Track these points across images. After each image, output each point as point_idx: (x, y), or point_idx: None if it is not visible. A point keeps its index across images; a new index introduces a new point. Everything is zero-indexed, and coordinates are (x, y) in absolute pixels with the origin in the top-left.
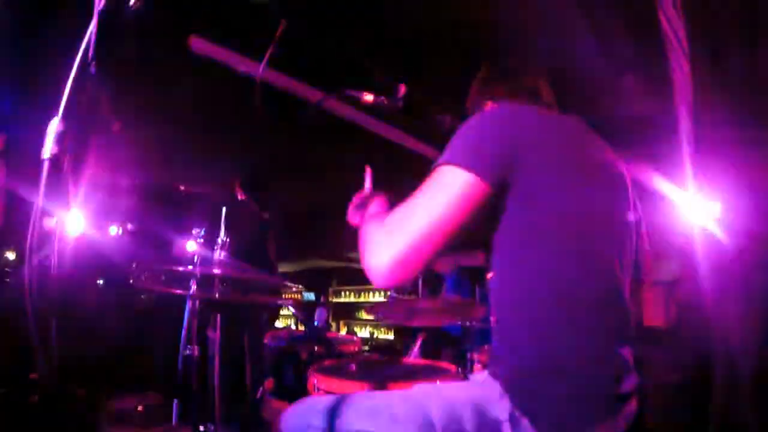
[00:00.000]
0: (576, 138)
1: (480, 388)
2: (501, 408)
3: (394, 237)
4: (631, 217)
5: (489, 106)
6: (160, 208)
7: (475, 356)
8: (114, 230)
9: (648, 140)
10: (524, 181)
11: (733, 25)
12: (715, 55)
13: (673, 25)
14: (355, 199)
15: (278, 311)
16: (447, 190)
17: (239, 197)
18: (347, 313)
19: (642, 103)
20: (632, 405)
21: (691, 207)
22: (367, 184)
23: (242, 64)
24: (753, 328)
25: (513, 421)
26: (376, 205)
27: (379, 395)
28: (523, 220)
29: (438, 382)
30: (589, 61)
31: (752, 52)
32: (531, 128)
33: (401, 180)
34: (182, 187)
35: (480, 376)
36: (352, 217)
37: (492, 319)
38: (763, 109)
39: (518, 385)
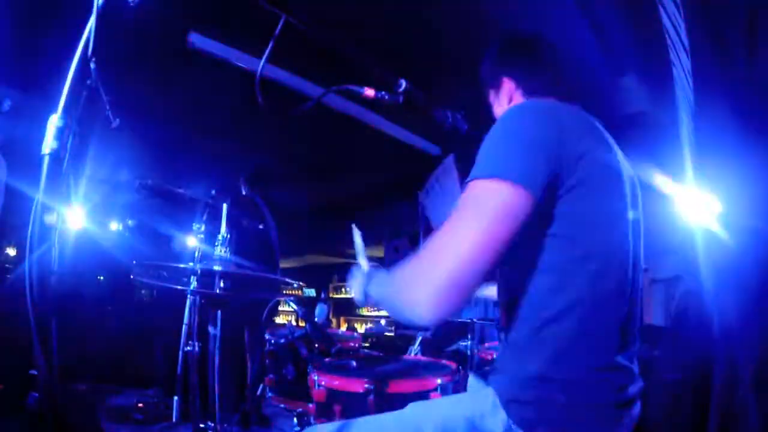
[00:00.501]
0: (597, 138)
1: (473, 402)
2: (495, 421)
3: (433, 268)
4: (639, 221)
5: (505, 84)
6: (161, 205)
7: (477, 353)
8: (115, 226)
9: (649, 137)
10: (553, 186)
11: (734, 21)
12: (717, 51)
13: (673, 21)
14: (358, 277)
15: (278, 307)
16: (490, 208)
17: (243, 193)
18: (348, 309)
19: (643, 100)
20: (635, 410)
21: (692, 204)
22: (357, 240)
23: (242, 61)
24: (753, 327)
25: None
26: (383, 275)
27: (374, 420)
28: (538, 227)
29: (438, 380)
30: (589, 59)
31: (754, 47)
32: (569, 129)
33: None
34: (181, 190)
35: (476, 383)
36: (359, 294)
37: (501, 334)
38: (765, 106)
39: (515, 396)
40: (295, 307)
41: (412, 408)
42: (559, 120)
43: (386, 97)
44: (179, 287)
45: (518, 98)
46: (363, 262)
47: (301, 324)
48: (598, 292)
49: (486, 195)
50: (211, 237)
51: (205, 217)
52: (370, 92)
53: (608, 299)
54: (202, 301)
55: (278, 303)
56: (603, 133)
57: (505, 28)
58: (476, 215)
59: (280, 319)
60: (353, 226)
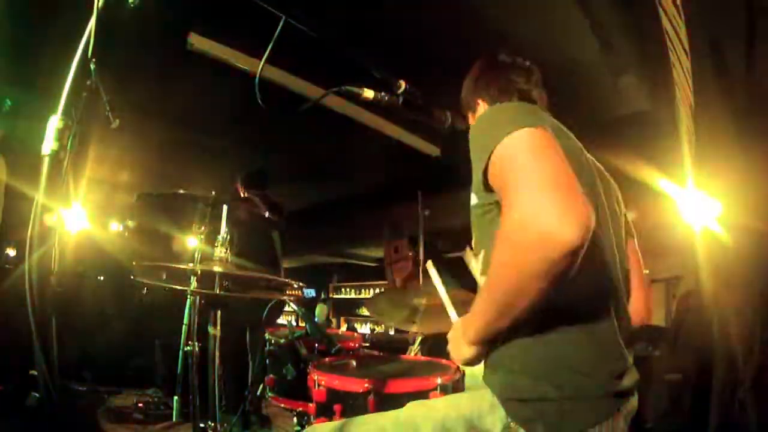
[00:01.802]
0: (573, 141)
1: (471, 401)
2: (494, 420)
3: (538, 200)
4: (623, 218)
5: (480, 105)
6: (161, 205)
7: None
8: (115, 227)
9: (649, 137)
10: None
11: (733, 22)
12: (716, 52)
13: (673, 22)
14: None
15: (282, 308)
16: (535, 143)
17: (242, 195)
18: (347, 309)
19: (642, 100)
20: (632, 402)
21: (692, 205)
22: (437, 282)
23: (242, 61)
24: (753, 327)
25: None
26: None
27: (373, 420)
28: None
29: (438, 380)
30: (590, 59)
31: (753, 48)
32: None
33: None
34: (181, 191)
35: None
36: (468, 350)
37: None
38: (764, 106)
39: (513, 394)
40: (295, 307)
41: (411, 407)
42: (535, 111)
43: (385, 97)
44: (179, 288)
45: None
46: (452, 313)
47: (301, 324)
48: (580, 280)
49: (524, 138)
50: (211, 237)
51: (205, 218)
52: (369, 93)
53: (592, 287)
54: (202, 301)
55: (283, 304)
56: (574, 138)
57: (483, 51)
58: (530, 152)
59: (280, 319)
60: (428, 264)
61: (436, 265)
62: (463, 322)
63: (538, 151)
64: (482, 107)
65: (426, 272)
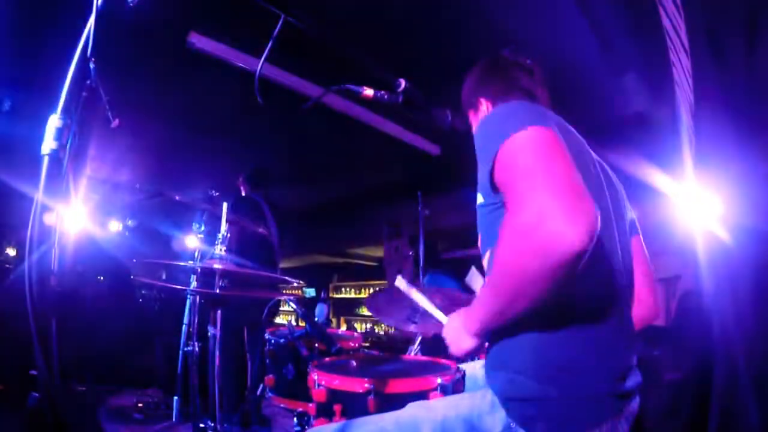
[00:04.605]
0: (576, 137)
1: (471, 401)
2: (494, 420)
3: (542, 205)
4: (628, 216)
5: (483, 103)
6: (161, 205)
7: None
8: (115, 226)
9: (649, 137)
10: None
11: (734, 21)
12: (716, 51)
13: (673, 21)
14: (451, 327)
15: (278, 307)
16: (543, 141)
17: (243, 194)
18: (347, 309)
19: (643, 100)
20: (634, 404)
21: (692, 204)
22: (416, 295)
23: (242, 61)
24: (753, 327)
25: None
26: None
27: (374, 422)
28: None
29: (438, 380)
30: (589, 59)
31: (753, 47)
32: (553, 121)
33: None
34: (177, 197)
35: (476, 368)
36: (467, 340)
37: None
38: (764, 105)
39: (514, 394)
40: (295, 306)
41: (411, 408)
42: (541, 110)
43: (385, 96)
44: (179, 287)
45: None
46: (439, 314)
47: (301, 324)
48: (586, 281)
49: (530, 138)
50: (210, 237)
51: (204, 217)
52: (369, 92)
53: (597, 288)
54: (202, 300)
55: (279, 302)
56: (578, 135)
57: (483, 54)
58: (536, 153)
59: (280, 319)
60: (398, 280)
61: (405, 278)
62: (465, 313)
63: (544, 152)
64: (485, 106)
65: (399, 289)
